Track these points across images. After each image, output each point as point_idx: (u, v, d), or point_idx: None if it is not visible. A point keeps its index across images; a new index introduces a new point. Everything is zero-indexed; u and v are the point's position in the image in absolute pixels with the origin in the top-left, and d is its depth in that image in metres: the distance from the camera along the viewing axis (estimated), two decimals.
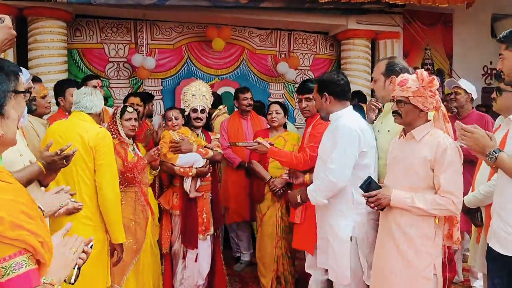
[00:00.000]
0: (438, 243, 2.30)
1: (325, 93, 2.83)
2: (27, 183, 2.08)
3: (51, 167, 2.16)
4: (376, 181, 2.53)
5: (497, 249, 2.12)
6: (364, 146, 2.66)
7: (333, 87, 2.82)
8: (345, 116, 2.76)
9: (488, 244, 2.23)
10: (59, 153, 2.15)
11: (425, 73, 2.30)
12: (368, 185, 2.39)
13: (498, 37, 2.19)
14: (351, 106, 2.88)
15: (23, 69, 2.60)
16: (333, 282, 2.88)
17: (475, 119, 4.02)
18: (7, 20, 1.91)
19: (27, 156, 2.26)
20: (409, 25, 6.92)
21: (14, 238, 1.12)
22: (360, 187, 2.45)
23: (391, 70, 2.71)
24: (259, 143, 3.19)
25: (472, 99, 4.30)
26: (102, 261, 2.73)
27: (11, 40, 1.92)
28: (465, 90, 4.21)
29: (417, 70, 2.35)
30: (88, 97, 2.81)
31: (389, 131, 2.70)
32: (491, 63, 7.56)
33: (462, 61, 7.40)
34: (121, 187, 3.11)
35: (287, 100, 7.05)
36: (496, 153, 2.00)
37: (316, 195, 2.71)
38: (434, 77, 2.31)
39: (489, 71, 7.60)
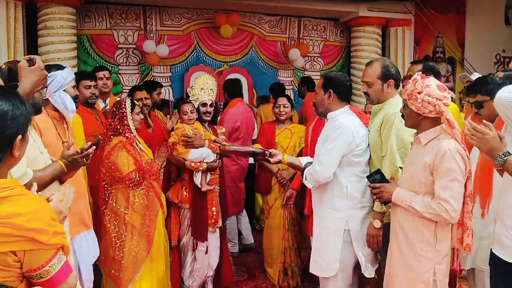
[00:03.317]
0: (440, 249, 2.24)
1: (330, 89, 2.85)
2: (50, 182, 2.13)
3: (72, 165, 2.21)
4: None
5: (501, 256, 2.12)
6: (358, 145, 2.75)
7: (340, 86, 2.86)
8: (343, 116, 2.82)
9: (491, 249, 2.23)
10: (80, 152, 2.20)
11: (418, 77, 2.22)
12: (375, 177, 2.46)
13: None
14: (347, 106, 2.92)
15: (69, 68, 2.69)
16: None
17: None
18: (39, 61, 2.03)
19: (46, 153, 2.30)
20: (421, 12, 6.81)
21: (55, 243, 1.33)
22: (367, 177, 2.53)
23: (388, 74, 2.74)
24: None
25: None
26: None
27: (43, 80, 2.05)
28: None
29: (417, 74, 2.29)
30: None
31: (377, 130, 2.76)
32: (504, 51, 7.44)
33: (474, 49, 7.29)
34: (137, 189, 3.09)
35: (295, 86, 7.01)
36: (505, 156, 1.98)
37: (306, 181, 2.87)
38: (431, 82, 2.20)
39: (501, 59, 7.47)
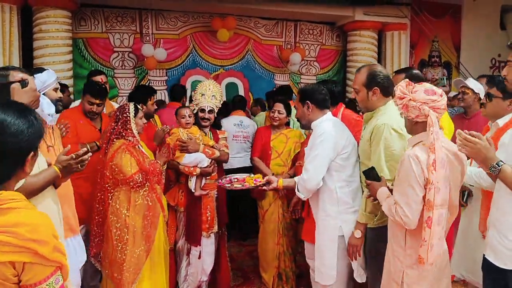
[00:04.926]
0: (411, 254, 2.18)
1: (307, 101, 2.90)
2: (44, 187, 2.13)
3: (67, 170, 2.20)
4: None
5: (493, 261, 2.13)
6: (343, 149, 2.77)
7: (315, 95, 2.91)
8: (325, 122, 2.87)
9: (484, 254, 2.23)
10: (74, 157, 2.18)
11: (402, 84, 2.19)
12: (368, 174, 2.49)
13: (509, 43, 2.13)
14: (330, 113, 2.95)
15: (50, 70, 2.66)
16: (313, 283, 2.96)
17: (483, 119, 3.95)
18: (31, 82, 2.08)
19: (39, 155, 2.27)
20: (417, 16, 6.84)
21: (53, 259, 1.31)
22: (363, 172, 2.56)
23: (373, 81, 2.62)
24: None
25: (480, 99, 4.22)
26: None
27: (36, 101, 2.12)
28: (472, 90, 4.14)
29: (403, 81, 2.26)
30: None
31: (367, 140, 2.70)
32: (499, 55, 7.45)
33: (470, 53, 7.32)
34: (140, 190, 3.08)
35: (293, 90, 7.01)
36: (499, 166, 1.99)
37: (298, 192, 2.88)
38: (418, 88, 2.14)
39: (497, 64, 7.50)
